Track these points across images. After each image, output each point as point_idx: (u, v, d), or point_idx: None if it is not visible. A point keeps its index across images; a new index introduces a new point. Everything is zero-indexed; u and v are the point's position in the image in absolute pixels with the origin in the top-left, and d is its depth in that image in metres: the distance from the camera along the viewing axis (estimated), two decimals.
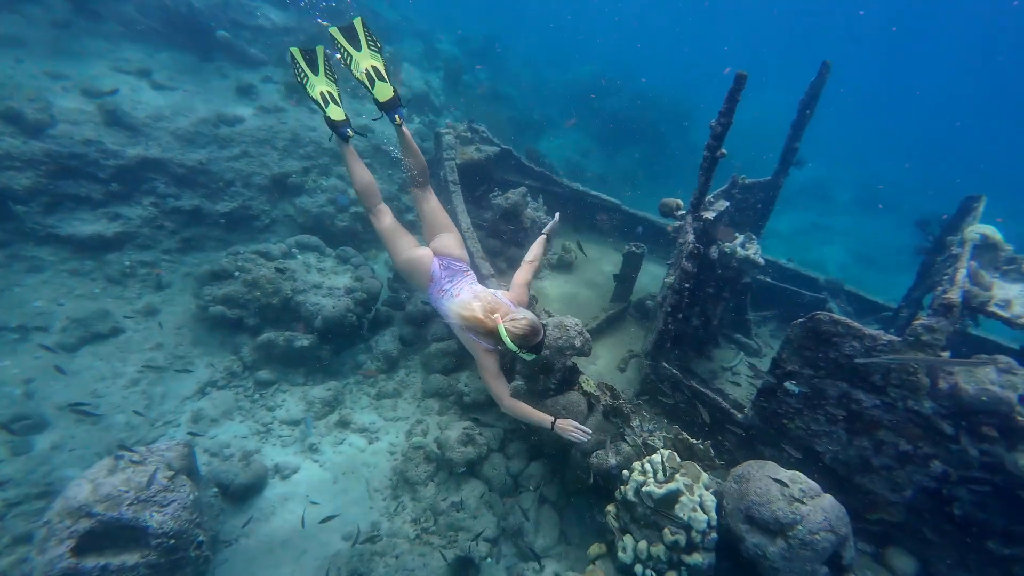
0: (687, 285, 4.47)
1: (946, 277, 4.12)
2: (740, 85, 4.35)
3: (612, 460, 4.17)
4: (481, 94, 16.68)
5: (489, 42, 21.74)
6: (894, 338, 3.57)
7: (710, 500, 3.74)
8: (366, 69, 3.61)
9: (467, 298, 3.22)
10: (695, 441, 4.10)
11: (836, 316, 3.68)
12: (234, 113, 8.93)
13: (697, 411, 4.71)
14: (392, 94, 3.65)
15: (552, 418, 3.40)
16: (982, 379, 3.45)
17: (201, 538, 3.70)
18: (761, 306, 7.04)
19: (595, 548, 4.13)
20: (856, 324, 3.64)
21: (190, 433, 5.27)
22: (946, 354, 3.61)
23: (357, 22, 3.67)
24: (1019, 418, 3.31)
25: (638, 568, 3.79)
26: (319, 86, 3.75)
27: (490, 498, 4.71)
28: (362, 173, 3.70)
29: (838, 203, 20.39)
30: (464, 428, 4.91)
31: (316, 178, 8.90)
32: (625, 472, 4.06)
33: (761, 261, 5.12)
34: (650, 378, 5.06)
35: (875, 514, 4.14)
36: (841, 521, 3.47)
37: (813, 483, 3.58)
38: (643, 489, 3.82)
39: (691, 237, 4.56)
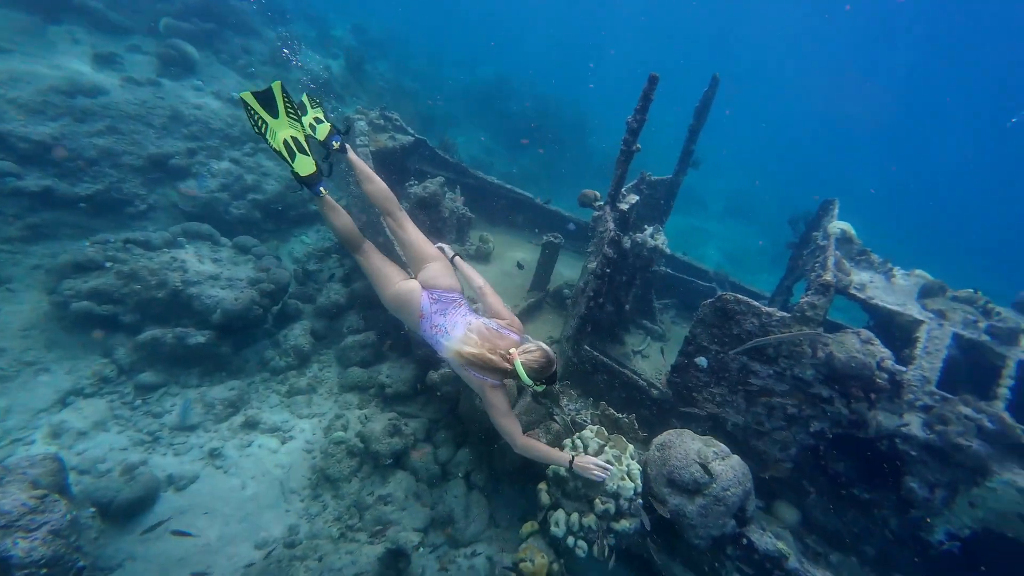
0: (608, 270, 4.73)
1: (818, 264, 4.83)
2: (653, 85, 4.71)
3: (543, 439, 4.28)
4: (386, 87, 16.19)
5: (388, 33, 21.16)
6: (785, 314, 4.10)
7: (636, 469, 3.99)
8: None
9: (465, 334, 2.96)
10: (620, 415, 4.35)
11: (739, 296, 4.14)
12: (93, 83, 7.71)
13: (616, 389, 5.01)
14: (328, 131, 3.35)
15: (570, 456, 3.29)
16: (849, 348, 4.09)
17: (81, 563, 3.14)
18: (661, 295, 7.66)
19: (528, 526, 4.21)
20: (755, 303, 4.13)
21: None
22: (821, 329, 4.23)
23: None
24: (878, 380, 3.97)
25: (570, 540, 3.93)
26: (281, 132, 3.05)
27: (419, 489, 4.58)
28: (342, 220, 3.17)
29: (712, 210, 22.98)
30: (389, 419, 4.73)
31: (205, 161, 7.99)
32: None
33: (668, 251, 5.59)
34: (572, 361, 5.28)
35: (767, 472, 4.70)
36: (746, 477, 3.91)
37: (723, 445, 3.98)
38: None
39: (611, 225, 4.83)
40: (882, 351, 4.02)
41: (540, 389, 2.92)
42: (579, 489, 4.04)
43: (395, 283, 3.12)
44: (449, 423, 5.08)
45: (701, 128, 6.57)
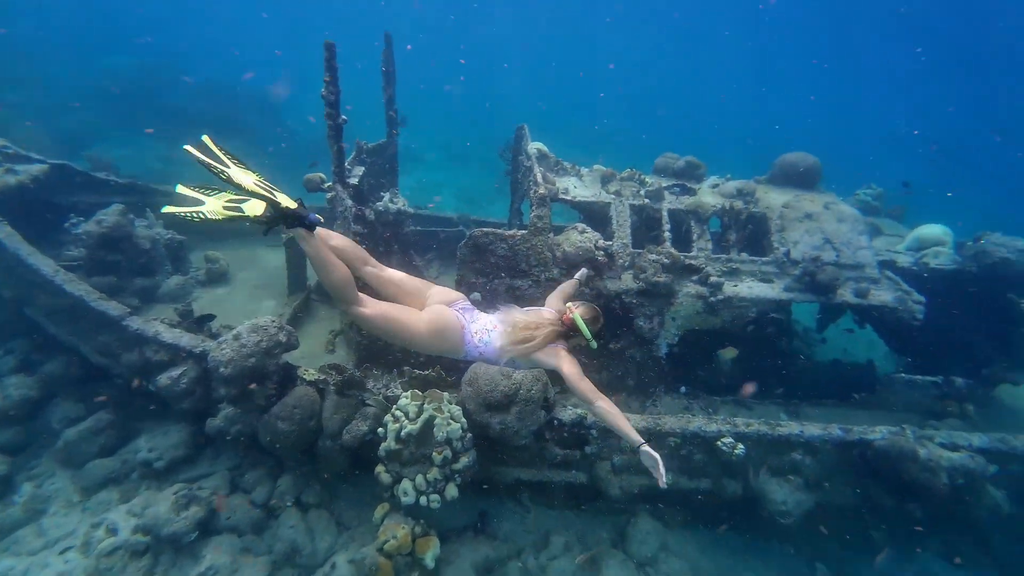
0: (365, 245, 4.68)
1: (531, 181, 5.69)
2: (332, 54, 4.62)
3: (364, 427, 4.22)
4: None
5: None
6: (523, 232, 4.79)
7: (457, 411, 4.31)
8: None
9: (513, 319, 2.90)
10: (426, 372, 4.55)
11: (486, 229, 4.65)
12: None
13: (413, 352, 5.18)
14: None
15: (642, 440, 2.75)
16: (574, 241, 5.06)
17: None
18: (420, 251, 7.96)
19: (379, 510, 4.21)
20: (500, 231, 4.70)
21: None
22: (552, 234, 5.10)
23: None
24: (599, 257, 5.04)
25: (422, 500, 4.09)
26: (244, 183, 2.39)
27: (245, 542, 4.04)
28: (337, 265, 2.62)
29: (431, 162, 24.16)
30: (175, 492, 3.95)
31: None
32: (380, 429, 4.19)
33: (411, 209, 5.79)
34: (363, 343, 5.19)
35: None
36: (541, 373, 4.61)
37: None
38: (403, 432, 4.06)
39: (350, 203, 4.74)
40: (594, 235, 5.10)
41: (595, 346, 2.94)
42: (414, 453, 4.17)
43: (422, 315, 2.93)
44: (255, 461, 4.51)
45: (394, 88, 6.74)
